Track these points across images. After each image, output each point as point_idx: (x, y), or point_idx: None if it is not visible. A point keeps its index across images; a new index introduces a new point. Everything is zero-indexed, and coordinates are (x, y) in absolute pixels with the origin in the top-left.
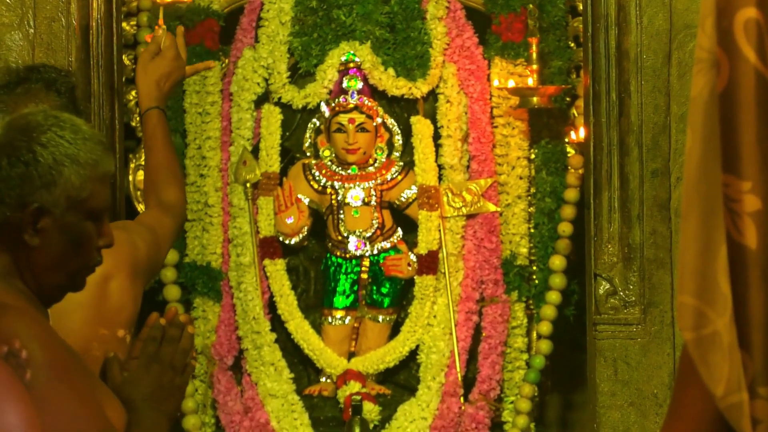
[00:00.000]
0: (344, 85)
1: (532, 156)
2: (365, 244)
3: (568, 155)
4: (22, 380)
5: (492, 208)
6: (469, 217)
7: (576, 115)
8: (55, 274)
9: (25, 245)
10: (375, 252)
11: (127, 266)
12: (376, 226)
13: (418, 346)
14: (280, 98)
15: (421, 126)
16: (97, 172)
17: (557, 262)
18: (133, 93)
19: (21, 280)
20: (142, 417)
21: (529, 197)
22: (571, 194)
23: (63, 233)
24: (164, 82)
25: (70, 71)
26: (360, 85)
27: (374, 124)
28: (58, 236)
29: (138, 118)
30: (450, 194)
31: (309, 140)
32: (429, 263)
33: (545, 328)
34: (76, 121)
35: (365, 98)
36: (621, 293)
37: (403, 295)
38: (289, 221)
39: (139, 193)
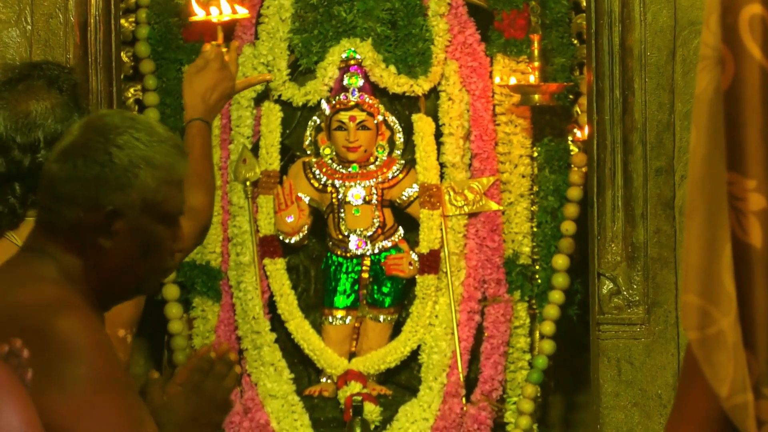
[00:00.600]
0: (345, 82)
1: (535, 154)
2: (366, 243)
3: (571, 153)
4: (22, 380)
5: (494, 206)
6: (471, 215)
7: (579, 112)
8: (125, 277)
9: (97, 247)
10: (376, 251)
11: None
12: (377, 224)
13: (419, 346)
14: (280, 96)
15: (422, 124)
16: (172, 176)
17: (560, 261)
18: (132, 90)
19: (87, 283)
20: None
21: (532, 196)
22: (574, 193)
23: (136, 236)
24: (210, 94)
25: (72, 68)
26: (361, 82)
27: (375, 121)
28: (131, 239)
29: None
30: (452, 193)
31: (309, 138)
32: (430, 262)
33: (548, 328)
34: (152, 123)
35: (366, 96)
36: (624, 293)
37: (404, 294)
38: (290, 220)
39: None
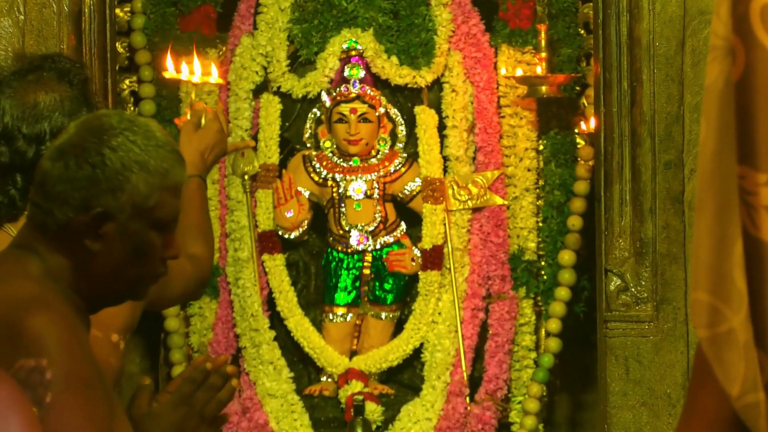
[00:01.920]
0: (346, 73)
1: (541, 147)
2: (367, 239)
3: (578, 146)
4: (40, 400)
5: (499, 201)
6: (475, 210)
7: (586, 104)
8: (112, 282)
9: (85, 249)
10: (377, 247)
11: None
12: (378, 219)
13: (422, 345)
14: (279, 87)
15: (425, 116)
16: (166, 182)
17: (566, 257)
18: (127, 82)
19: (72, 284)
20: None
21: (538, 190)
22: (580, 187)
23: (125, 241)
24: (207, 153)
25: (84, 63)
26: (362, 73)
27: (377, 114)
28: (120, 243)
29: (132, 108)
30: (455, 187)
31: (309, 131)
32: (434, 258)
33: (554, 325)
34: (151, 127)
35: (367, 87)
36: (632, 289)
37: (406, 291)
38: (289, 215)
39: None
